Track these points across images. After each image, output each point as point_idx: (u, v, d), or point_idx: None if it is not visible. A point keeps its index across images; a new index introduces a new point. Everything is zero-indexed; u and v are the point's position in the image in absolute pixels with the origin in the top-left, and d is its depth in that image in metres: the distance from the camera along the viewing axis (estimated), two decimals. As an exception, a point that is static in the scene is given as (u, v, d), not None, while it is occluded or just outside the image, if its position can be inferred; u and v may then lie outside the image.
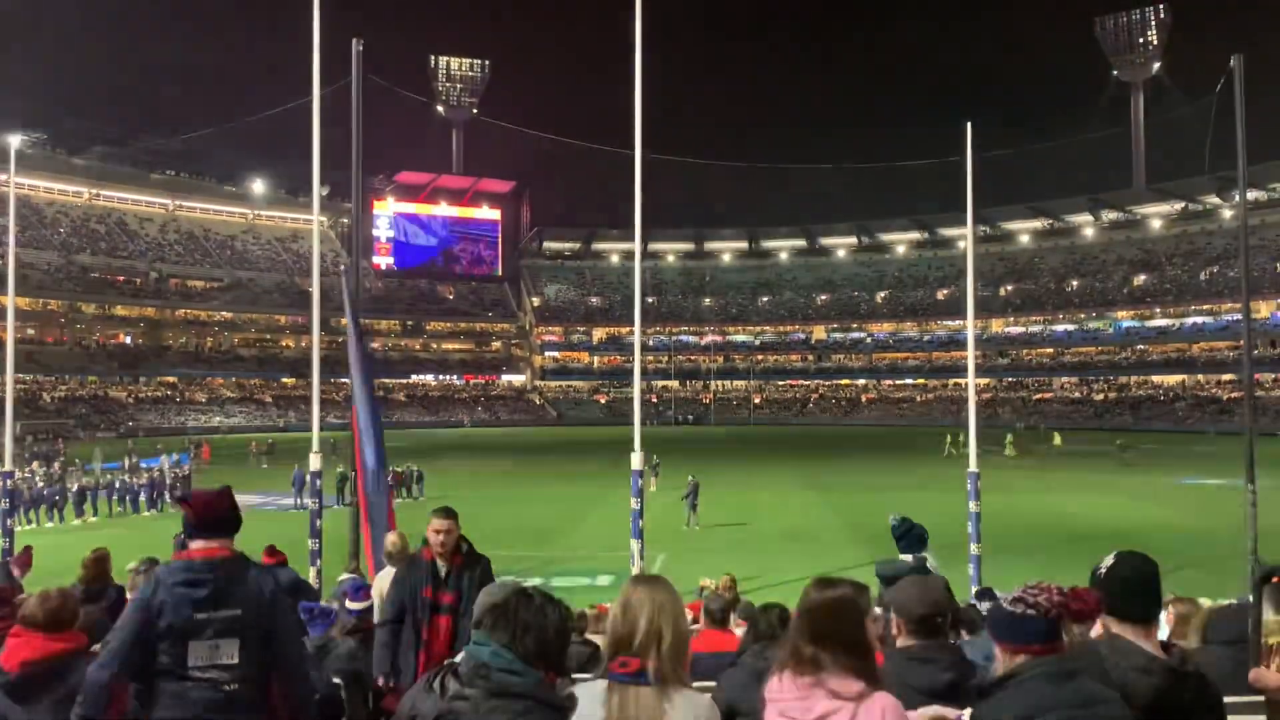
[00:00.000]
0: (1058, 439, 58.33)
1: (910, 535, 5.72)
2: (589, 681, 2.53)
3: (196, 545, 3.51)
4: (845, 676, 2.45)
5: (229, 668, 3.31)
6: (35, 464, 37.91)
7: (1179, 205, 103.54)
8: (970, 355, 16.50)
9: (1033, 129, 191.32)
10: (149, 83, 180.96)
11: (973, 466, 15.55)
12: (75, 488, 31.01)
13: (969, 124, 16.58)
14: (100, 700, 3.20)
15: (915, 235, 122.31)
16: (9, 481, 19.44)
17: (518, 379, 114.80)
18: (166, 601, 3.32)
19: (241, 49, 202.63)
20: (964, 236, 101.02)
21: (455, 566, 5.48)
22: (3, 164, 36.89)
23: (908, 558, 5.58)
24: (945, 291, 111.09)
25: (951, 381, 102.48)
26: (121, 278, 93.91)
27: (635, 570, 13.57)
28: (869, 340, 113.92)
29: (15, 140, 22.91)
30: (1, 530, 18.01)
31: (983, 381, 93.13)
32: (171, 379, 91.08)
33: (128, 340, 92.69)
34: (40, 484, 31.51)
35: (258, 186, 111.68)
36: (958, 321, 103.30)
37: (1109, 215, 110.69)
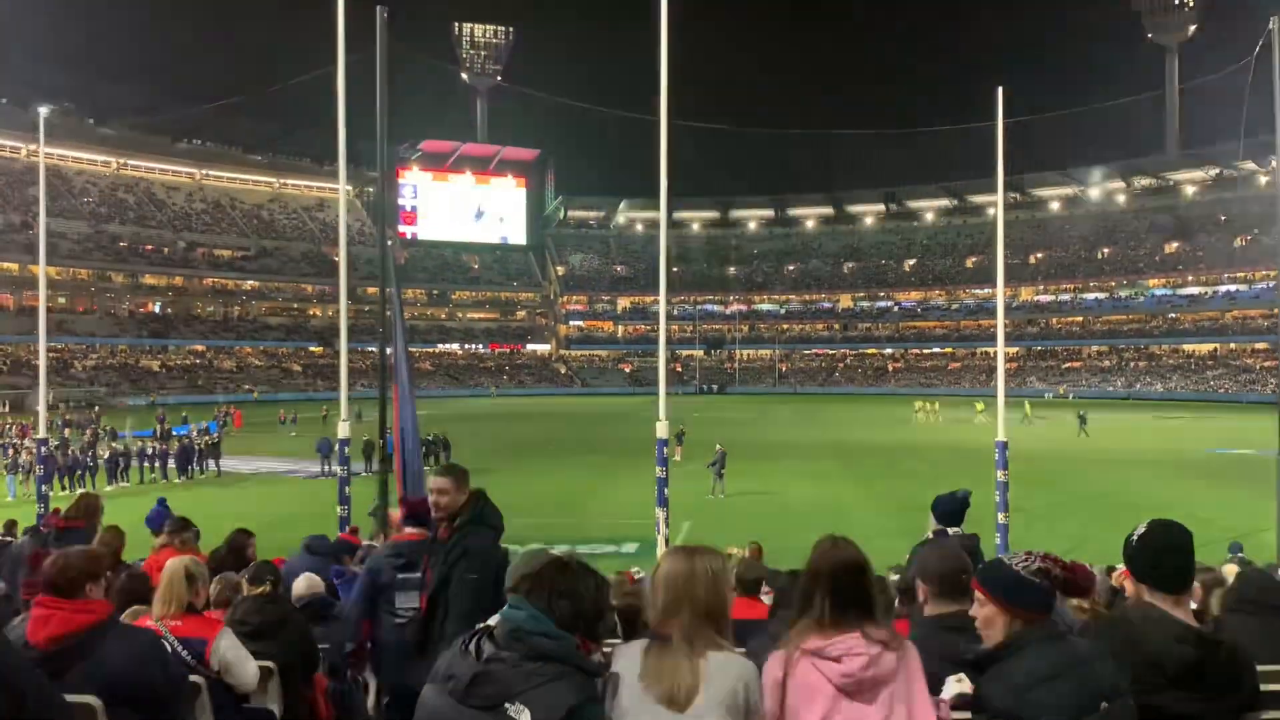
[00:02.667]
0: (1028, 408, 57.84)
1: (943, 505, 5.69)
2: (629, 642, 2.58)
3: (406, 531, 5.41)
4: (878, 625, 2.54)
5: (416, 609, 4.73)
6: (67, 431, 38.47)
7: (1213, 171, 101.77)
8: (1000, 323, 16.36)
9: (1065, 94, 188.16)
10: (175, 52, 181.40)
11: (1001, 435, 15.50)
12: (107, 455, 31.47)
13: (1000, 89, 16.35)
14: (356, 631, 5.16)
15: (944, 202, 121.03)
16: (45, 448, 19.77)
17: (542, 348, 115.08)
18: (381, 569, 5.14)
19: (267, 18, 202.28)
20: (994, 203, 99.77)
21: (442, 542, 4.50)
22: (32, 134, 37.13)
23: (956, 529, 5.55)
24: (974, 259, 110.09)
25: (980, 350, 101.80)
26: (150, 247, 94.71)
27: (660, 538, 13.65)
28: (896, 309, 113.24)
29: (44, 111, 23.05)
30: (38, 496, 18.32)
31: (1012, 350, 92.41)
32: (200, 347, 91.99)
33: (156, 309, 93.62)
34: (73, 451, 31.99)
35: (284, 155, 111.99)
36: (986, 289, 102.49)
37: (1141, 182, 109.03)
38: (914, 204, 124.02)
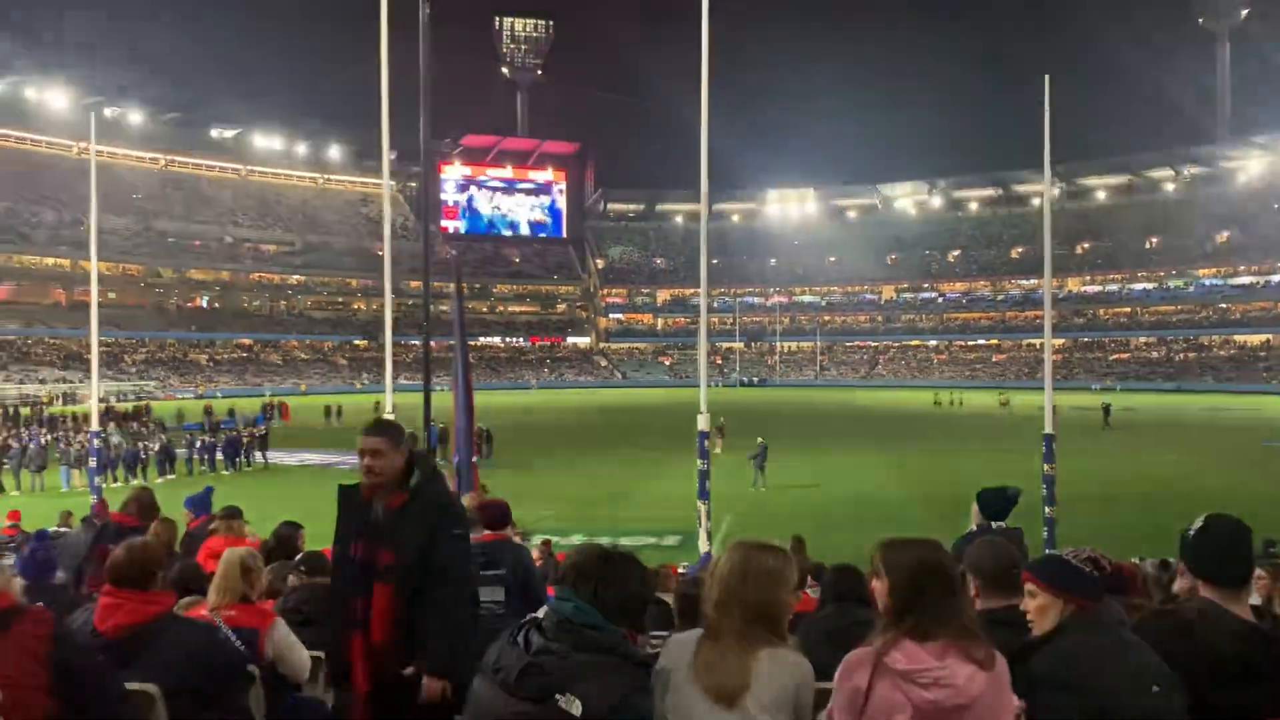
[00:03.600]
0: (1005, 399, 57.64)
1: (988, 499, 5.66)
2: (682, 634, 2.57)
3: (484, 534, 5.75)
4: (970, 639, 2.40)
5: (498, 603, 5.22)
6: (111, 424, 39.22)
7: (1266, 158, 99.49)
8: (1047, 314, 16.13)
9: (1114, 81, 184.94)
10: (221, 49, 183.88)
11: (1048, 428, 15.30)
12: (157, 447, 32.05)
13: (1047, 76, 16.10)
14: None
15: (989, 192, 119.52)
16: (97, 440, 20.18)
17: (583, 341, 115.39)
18: None
19: (311, 14, 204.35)
20: (1040, 193, 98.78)
21: (392, 511, 3.72)
22: (83, 132, 37.84)
23: (1001, 523, 5.51)
24: (1020, 250, 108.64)
25: (1025, 342, 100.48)
26: (197, 242, 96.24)
27: (702, 531, 13.65)
28: (940, 300, 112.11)
29: (104, 109, 23.46)
30: (91, 487, 18.70)
31: (1058, 342, 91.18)
32: (247, 341, 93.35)
33: (204, 303, 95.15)
34: (123, 443, 32.63)
35: (328, 151, 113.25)
36: (1032, 280, 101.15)
37: (1191, 170, 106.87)
38: (958, 194, 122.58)
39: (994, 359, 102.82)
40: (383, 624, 3.66)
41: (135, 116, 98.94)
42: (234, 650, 3.72)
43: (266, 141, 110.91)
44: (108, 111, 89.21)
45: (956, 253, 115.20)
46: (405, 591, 3.61)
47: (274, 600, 4.81)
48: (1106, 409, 46.06)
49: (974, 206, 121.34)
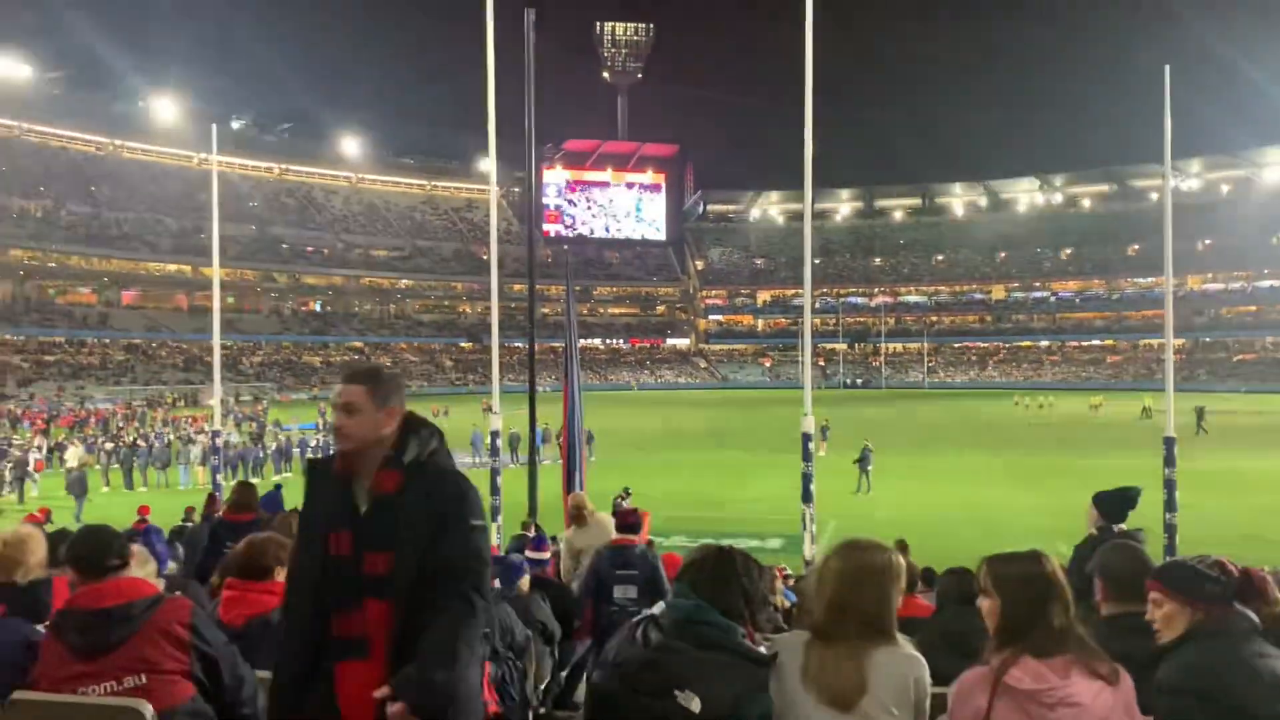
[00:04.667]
0: (1148, 401, 54.93)
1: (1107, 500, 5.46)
2: (790, 633, 2.55)
3: (622, 537, 6.49)
4: (1092, 654, 2.34)
5: (632, 600, 5.77)
6: (230, 424, 40.77)
7: None
8: (1168, 313, 15.43)
9: (1235, 70, 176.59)
10: (331, 62, 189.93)
11: (1169, 431, 14.69)
12: (274, 447, 33.26)
13: (1166, 67, 15.46)
14: (580, 612, 6.24)
15: (1103, 187, 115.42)
16: (219, 440, 21.03)
17: (682, 342, 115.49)
18: (602, 565, 6.35)
19: (415, 26, 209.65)
20: (1157, 188, 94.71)
21: (383, 497, 2.67)
22: (203, 144, 39.48)
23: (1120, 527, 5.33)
24: (1136, 247, 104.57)
25: (1143, 342, 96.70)
26: (310, 248, 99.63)
27: (807, 534, 13.50)
28: (1053, 299, 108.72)
29: (230, 123, 24.54)
30: (213, 485, 19.48)
31: (1178, 342, 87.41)
32: (358, 344, 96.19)
33: (317, 307, 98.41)
34: (241, 442, 33.96)
35: (433, 158, 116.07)
36: (1150, 278, 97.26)
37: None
38: (1071, 190, 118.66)
39: (1109, 360, 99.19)
40: (384, 654, 2.59)
41: (251, 128, 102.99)
42: None
43: (374, 150, 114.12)
44: (224, 123, 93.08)
45: (1069, 250, 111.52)
46: (404, 612, 2.59)
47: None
48: (1200, 412, 43.68)
49: (1087, 202, 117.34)
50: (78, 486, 23.68)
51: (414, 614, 2.58)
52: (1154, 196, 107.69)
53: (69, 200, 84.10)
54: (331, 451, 2.85)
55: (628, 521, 6.70)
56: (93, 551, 3.08)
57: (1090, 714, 2.25)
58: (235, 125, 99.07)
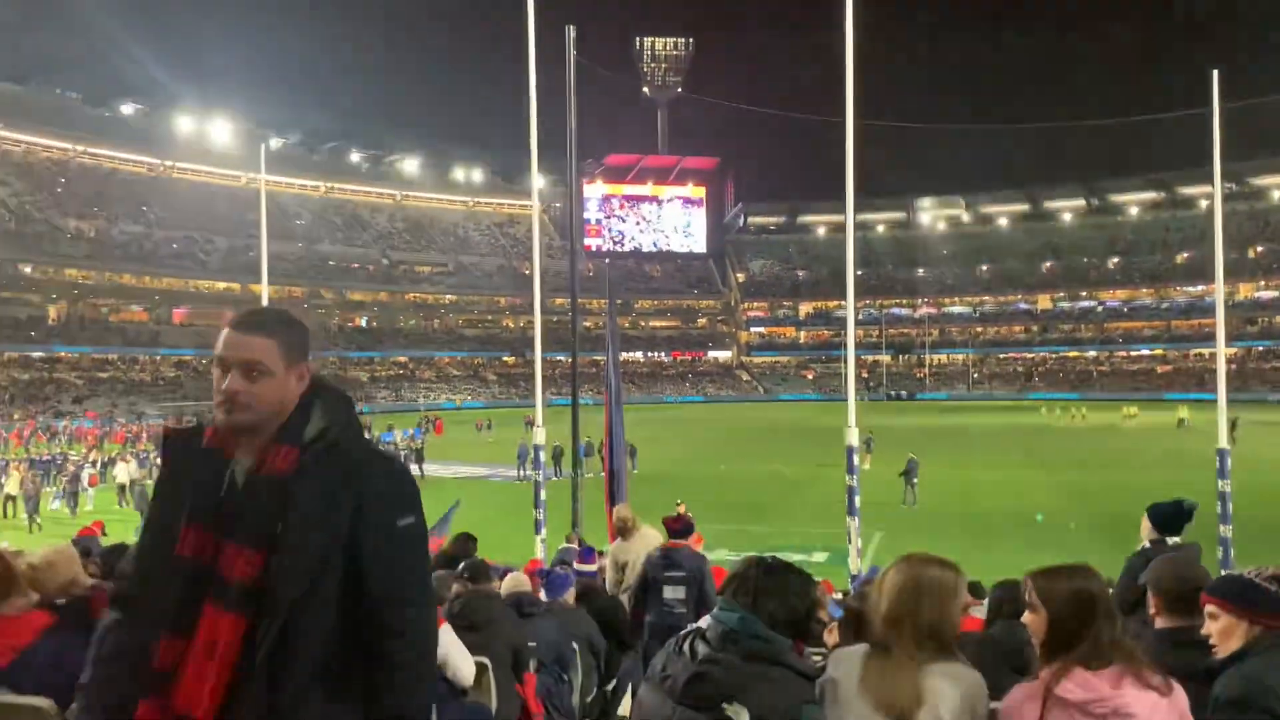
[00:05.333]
0: (1184, 412, 53.92)
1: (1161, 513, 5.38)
2: (848, 648, 2.54)
3: (672, 541, 6.81)
4: (1143, 665, 2.30)
5: (680, 600, 6.12)
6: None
7: None
8: (1220, 322, 15.17)
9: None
10: (375, 80, 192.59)
11: (1222, 442, 14.43)
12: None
13: (1215, 71, 15.22)
14: (631, 614, 6.58)
15: (1151, 195, 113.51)
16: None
17: (724, 355, 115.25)
18: (653, 567, 6.53)
19: (457, 43, 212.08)
20: (1207, 194, 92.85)
21: (272, 480, 2.00)
22: (251, 164, 40.19)
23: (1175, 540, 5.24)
24: (1185, 255, 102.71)
25: (1194, 351, 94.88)
26: (356, 265, 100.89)
27: (852, 548, 13.40)
28: (1100, 309, 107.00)
29: (272, 142, 25.00)
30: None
31: (1230, 351, 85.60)
32: (403, 358, 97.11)
33: (364, 323, 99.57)
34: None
35: (476, 175, 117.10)
36: (1200, 287, 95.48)
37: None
38: (1117, 197, 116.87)
39: (1158, 370, 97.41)
40: (208, 691, 1.85)
41: (297, 147, 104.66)
42: None
43: (418, 167, 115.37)
44: (272, 142, 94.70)
45: (1116, 259, 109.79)
46: (271, 634, 1.86)
47: (439, 606, 4.99)
48: (1233, 424, 42.98)
49: (1134, 210, 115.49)
50: (143, 501, 24.15)
51: (289, 651, 1.86)
52: (1204, 204, 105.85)
53: (121, 220, 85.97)
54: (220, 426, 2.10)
55: (677, 527, 7.01)
56: None
57: None
58: (282, 144, 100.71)
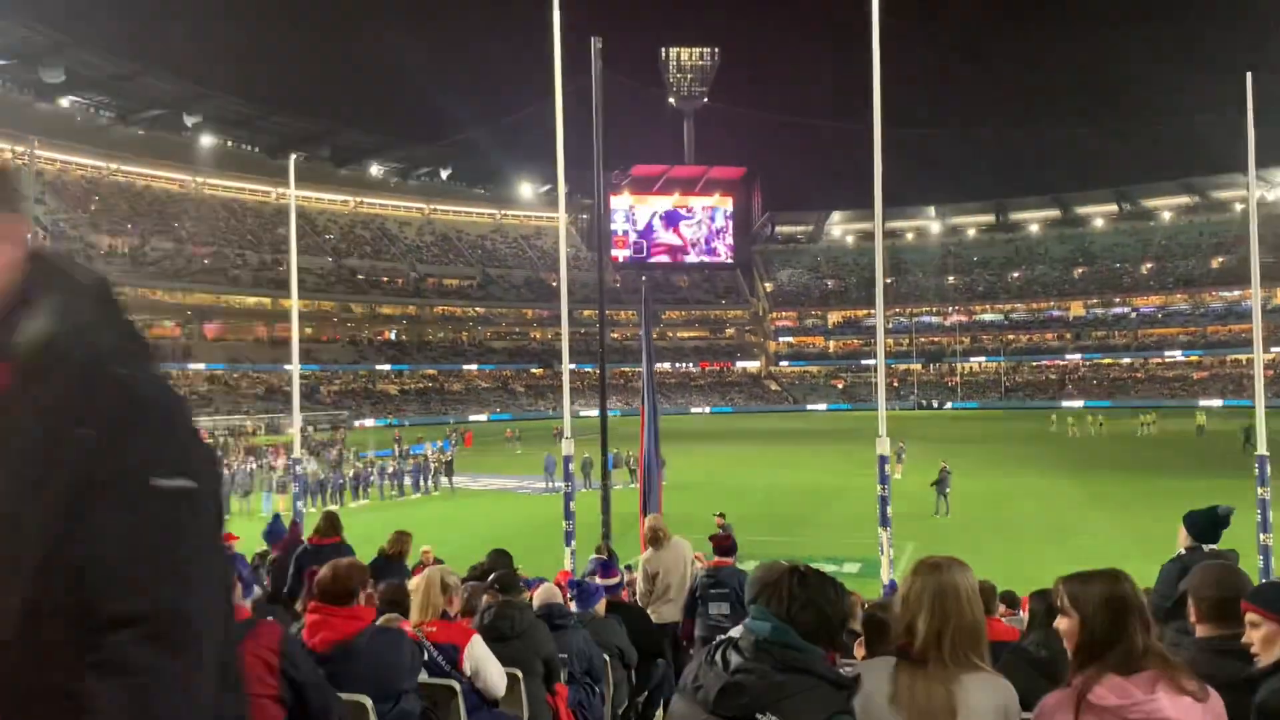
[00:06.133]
0: (1200, 419, 53.37)
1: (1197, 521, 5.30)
2: (877, 658, 2.51)
3: (717, 559, 7.22)
4: (1177, 670, 2.26)
5: (725, 615, 6.40)
6: (306, 452, 41.59)
7: None
8: (1257, 327, 14.96)
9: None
10: (400, 94, 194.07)
11: (1261, 448, 14.21)
12: (351, 474, 33.88)
13: (1249, 74, 15.05)
14: (681, 627, 7.14)
15: (1184, 199, 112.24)
16: (299, 467, 21.47)
17: (752, 365, 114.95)
18: (701, 585, 7.01)
19: (482, 56, 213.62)
20: (1242, 199, 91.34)
21: None
22: (280, 179, 40.68)
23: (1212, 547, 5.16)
24: (1220, 259, 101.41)
25: (1230, 357, 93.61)
26: (385, 279, 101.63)
27: (884, 558, 13.29)
28: (1134, 315, 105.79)
29: (295, 157, 25.25)
30: (293, 512, 19.87)
31: (1269, 356, 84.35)
32: (432, 371, 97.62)
33: (393, 336, 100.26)
34: (319, 470, 34.63)
35: (503, 188, 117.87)
36: (1236, 292, 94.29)
37: None
38: (1149, 202, 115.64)
39: (1194, 376, 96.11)
40: None
41: (326, 163, 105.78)
42: (414, 652, 3.89)
43: (445, 181, 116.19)
44: (300, 158, 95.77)
45: (1150, 264, 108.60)
46: None
47: (471, 618, 5.00)
48: (1248, 432, 42.51)
49: (1168, 215, 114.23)
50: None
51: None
52: (1239, 207, 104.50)
53: (154, 237, 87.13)
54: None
55: (723, 545, 7.44)
56: None
57: None
58: (309, 159, 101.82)
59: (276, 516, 10.09)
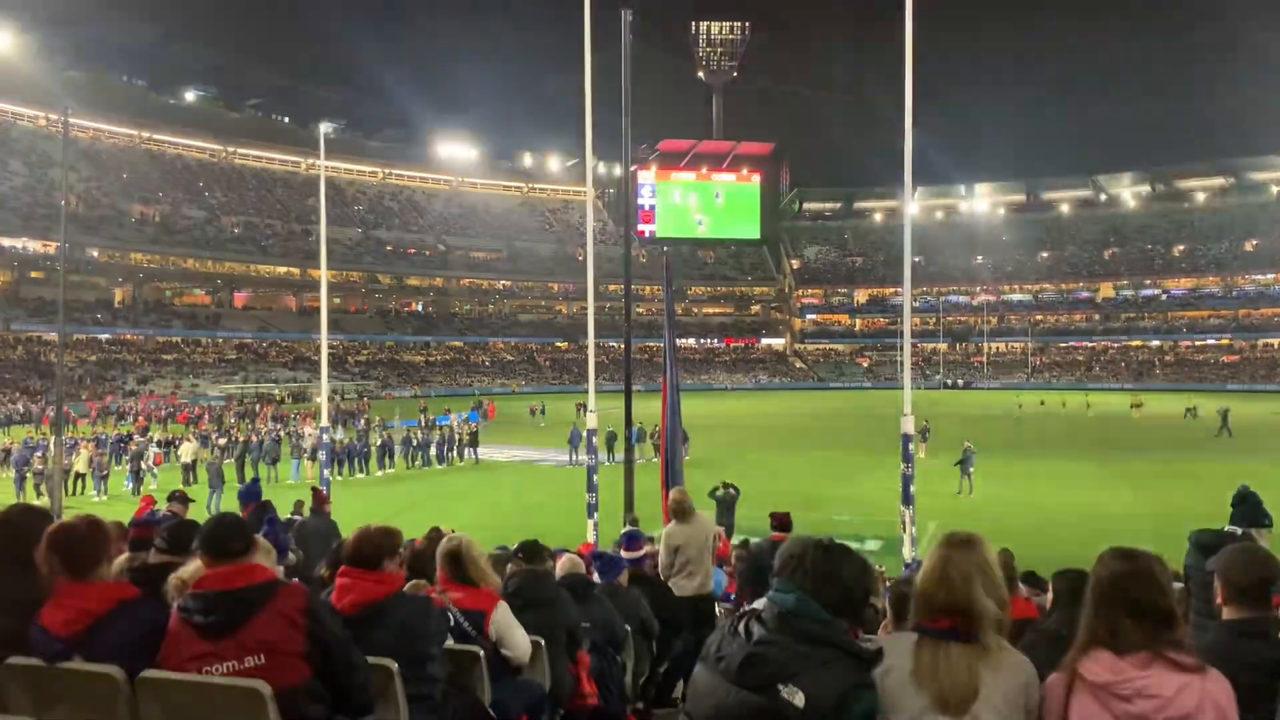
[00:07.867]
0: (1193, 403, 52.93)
1: (1246, 504, 5.24)
2: (900, 634, 2.51)
3: (775, 534, 7.46)
4: (1177, 649, 2.26)
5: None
6: (333, 421, 41.94)
7: None
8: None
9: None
10: (429, 68, 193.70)
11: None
12: (378, 443, 34.14)
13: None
14: (739, 601, 7.08)
15: (1217, 181, 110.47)
16: (327, 436, 21.69)
17: (777, 342, 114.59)
18: (762, 555, 7.08)
19: (511, 29, 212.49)
20: (1277, 180, 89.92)
21: None
22: (311, 150, 40.86)
23: (1235, 529, 5.09)
24: (1254, 242, 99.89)
25: (1263, 341, 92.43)
26: (412, 250, 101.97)
27: (907, 536, 13.30)
28: (1164, 297, 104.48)
29: (325, 128, 25.32)
30: (322, 480, 20.10)
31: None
32: (458, 343, 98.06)
33: (419, 308, 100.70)
34: (346, 439, 34.92)
35: (530, 161, 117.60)
36: (1270, 275, 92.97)
37: None
38: (1182, 183, 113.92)
39: (1225, 360, 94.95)
40: None
41: (355, 134, 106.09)
42: (439, 618, 3.95)
43: (473, 154, 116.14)
44: (330, 129, 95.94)
45: (1182, 246, 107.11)
46: None
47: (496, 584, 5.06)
48: (1224, 414, 42.13)
49: (1201, 196, 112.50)
50: (217, 478, 24.76)
51: None
52: (1275, 189, 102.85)
53: (185, 205, 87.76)
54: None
55: (781, 521, 7.91)
56: (220, 537, 3.24)
57: (1176, 707, 2.18)
58: (340, 131, 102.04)
59: (255, 479, 10.23)
